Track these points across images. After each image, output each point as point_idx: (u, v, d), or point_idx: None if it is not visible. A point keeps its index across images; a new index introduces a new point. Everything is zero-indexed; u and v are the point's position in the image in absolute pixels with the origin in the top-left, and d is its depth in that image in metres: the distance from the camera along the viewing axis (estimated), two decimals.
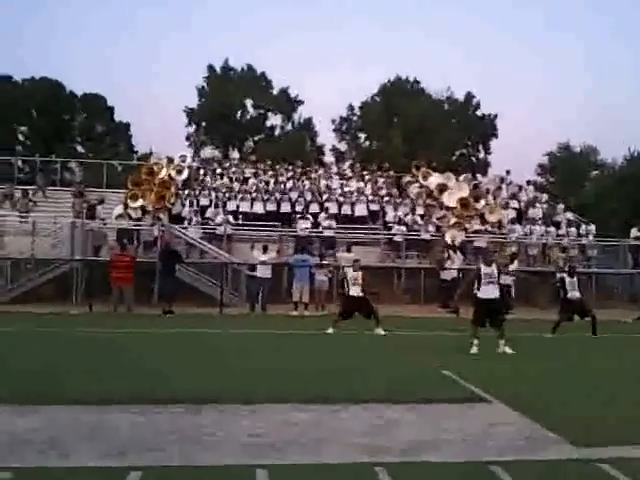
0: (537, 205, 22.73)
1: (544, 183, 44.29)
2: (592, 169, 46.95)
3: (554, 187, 41.94)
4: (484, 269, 10.25)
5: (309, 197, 21.01)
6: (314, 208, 20.44)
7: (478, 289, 10.25)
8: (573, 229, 21.74)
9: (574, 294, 12.53)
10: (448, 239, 18.34)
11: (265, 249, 16.53)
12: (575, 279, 12.72)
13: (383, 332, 12.15)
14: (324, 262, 17.47)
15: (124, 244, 16.44)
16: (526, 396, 6.77)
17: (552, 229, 21.35)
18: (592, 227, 22.27)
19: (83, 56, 68.76)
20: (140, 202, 18.90)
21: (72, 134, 46.82)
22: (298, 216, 19.95)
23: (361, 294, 12.55)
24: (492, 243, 19.51)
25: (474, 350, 9.91)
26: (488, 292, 10.13)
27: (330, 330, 12.20)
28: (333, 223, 19.65)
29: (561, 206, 23.96)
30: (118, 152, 42.75)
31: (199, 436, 5.13)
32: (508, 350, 9.98)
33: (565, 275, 13.07)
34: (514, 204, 22.44)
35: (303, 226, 19.26)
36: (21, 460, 4.51)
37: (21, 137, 45.58)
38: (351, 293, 12.59)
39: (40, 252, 17.12)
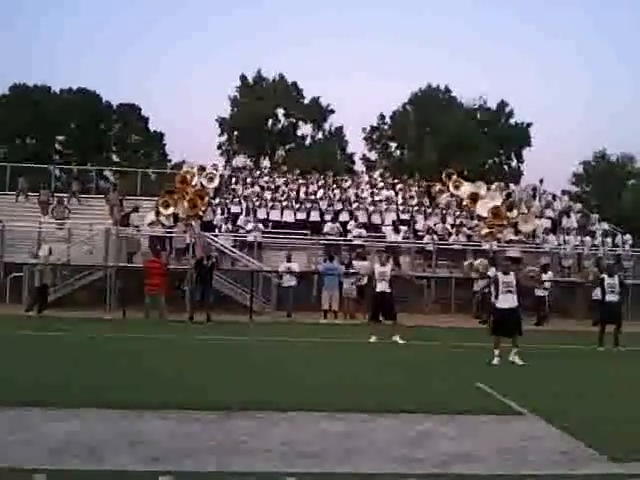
0: (571, 215, 22.32)
1: (579, 192, 43.55)
2: (629, 178, 46.01)
3: (589, 196, 41.20)
4: (502, 278, 10.04)
5: (339, 206, 21.03)
6: (344, 217, 20.44)
7: (496, 298, 10.03)
8: (608, 239, 21.26)
9: (612, 297, 12.08)
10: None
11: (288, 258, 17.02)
12: (616, 280, 12.22)
13: (402, 341, 11.92)
14: (352, 270, 17.40)
15: (157, 251, 16.62)
16: (562, 410, 6.63)
17: (587, 239, 20.92)
18: (628, 237, 21.75)
19: (119, 67, 70.31)
20: (172, 209, 19.11)
21: (108, 143, 47.81)
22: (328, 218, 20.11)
23: (388, 290, 12.32)
24: (526, 253, 19.20)
25: (496, 361, 9.75)
26: (507, 301, 9.92)
27: (373, 339, 11.99)
28: (363, 232, 19.62)
29: (595, 216, 23.48)
30: (152, 161, 43.50)
31: (233, 443, 5.16)
32: (518, 361, 9.76)
33: (605, 276, 12.47)
34: (548, 213, 22.08)
35: (330, 225, 19.41)
36: (59, 463, 4.59)
37: (59, 146, 46.71)
38: (378, 289, 12.34)
39: (75, 259, 17.45)
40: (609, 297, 12.12)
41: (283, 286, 16.72)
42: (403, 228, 19.71)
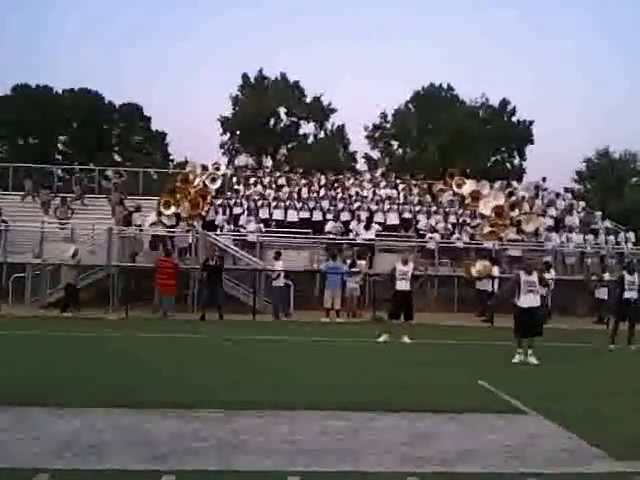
0: (574, 213, 22.27)
1: (581, 190, 43.46)
2: (632, 175, 45.89)
3: (592, 194, 41.11)
4: (524, 277, 10.03)
5: (341, 205, 21.02)
6: (345, 216, 20.42)
7: (518, 298, 10.03)
8: (611, 237, 21.21)
9: (632, 294, 12.00)
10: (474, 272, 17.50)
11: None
12: (636, 278, 12.14)
13: (409, 340, 11.93)
14: (355, 269, 17.38)
15: (168, 250, 16.67)
16: (565, 409, 6.60)
17: (590, 237, 20.87)
18: (631, 235, 21.70)
19: (121, 67, 70.35)
20: (173, 209, 19.12)
21: (110, 143, 47.81)
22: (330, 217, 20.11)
23: (408, 288, 12.32)
24: (528, 251, 19.15)
25: (516, 359, 9.80)
26: (529, 301, 9.93)
27: (383, 338, 11.93)
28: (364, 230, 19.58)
29: (598, 213, 23.44)
30: (154, 160, 43.47)
31: (235, 442, 5.15)
32: (534, 360, 9.76)
33: (625, 273, 12.38)
34: (551, 212, 22.04)
35: (332, 224, 19.41)
36: (61, 462, 4.58)
37: (61, 146, 46.74)
38: (398, 288, 12.27)
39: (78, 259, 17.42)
40: (628, 294, 12.06)
41: (273, 286, 16.45)
42: (375, 226, 19.60)
